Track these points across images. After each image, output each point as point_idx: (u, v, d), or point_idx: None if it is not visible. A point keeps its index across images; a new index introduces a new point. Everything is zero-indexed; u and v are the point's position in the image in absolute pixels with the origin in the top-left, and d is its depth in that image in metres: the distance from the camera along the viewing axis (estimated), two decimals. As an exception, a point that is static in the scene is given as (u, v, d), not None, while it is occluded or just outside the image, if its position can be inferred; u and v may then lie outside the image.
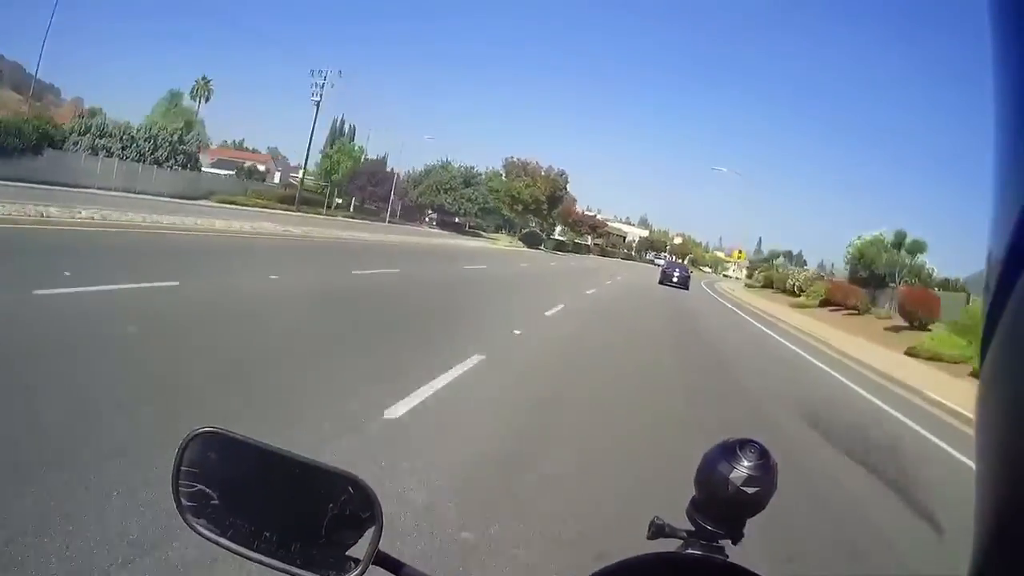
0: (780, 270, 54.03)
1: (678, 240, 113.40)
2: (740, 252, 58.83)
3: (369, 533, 0.76)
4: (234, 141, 78.74)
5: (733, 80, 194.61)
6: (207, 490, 0.81)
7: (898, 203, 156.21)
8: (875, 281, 34.92)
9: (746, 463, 0.74)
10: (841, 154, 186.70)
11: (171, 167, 38.08)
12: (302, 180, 52.01)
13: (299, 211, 41.49)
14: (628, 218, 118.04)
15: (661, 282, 36.67)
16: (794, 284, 42.35)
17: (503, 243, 62.28)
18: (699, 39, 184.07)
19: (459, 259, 25.78)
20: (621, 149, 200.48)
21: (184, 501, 0.81)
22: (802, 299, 36.62)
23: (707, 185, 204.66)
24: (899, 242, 36.44)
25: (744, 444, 0.75)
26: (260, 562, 0.77)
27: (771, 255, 64.70)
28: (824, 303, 33.30)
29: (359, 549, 0.76)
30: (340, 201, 57.77)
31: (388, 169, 61.30)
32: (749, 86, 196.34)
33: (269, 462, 0.81)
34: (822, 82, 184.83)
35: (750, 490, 0.74)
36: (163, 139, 38.66)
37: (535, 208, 70.30)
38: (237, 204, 36.32)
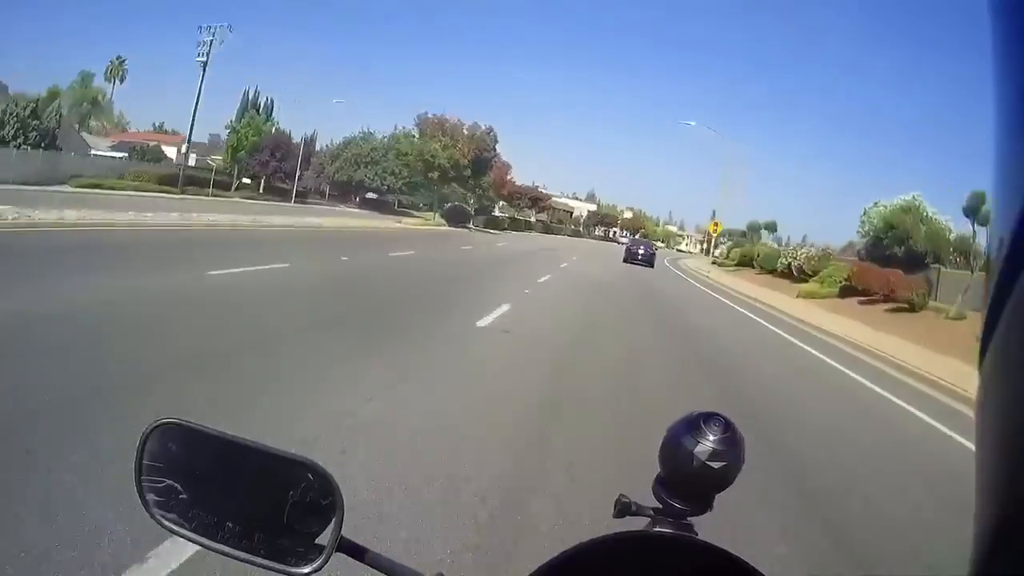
0: (761, 245, 45.60)
1: (628, 215, 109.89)
2: (716, 224, 52.80)
3: (332, 520, 0.77)
4: (154, 124, 77.27)
5: (688, 31, 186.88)
6: (170, 482, 0.82)
7: (892, 171, 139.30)
8: (912, 261, 27.69)
9: (711, 437, 0.74)
10: (821, 116, 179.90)
11: (18, 146, 34.52)
12: (185, 157, 46.63)
13: (182, 193, 37.27)
14: (575, 193, 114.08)
15: (626, 260, 37.56)
16: (790, 264, 33.18)
17: (426, 222, 53.81)
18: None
19: (353, 249, 20.33)
20: (563, 117, 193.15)
21: (148, 495, 0.82)
22: (812, 286, 28.38)
23: (659, 155, 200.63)
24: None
25: (709, 417, 0.76)
26: (223, 553, 0.79)
27: (750, 227, 59.60)
28: (846, 291, 25.59)
29: (323, 537, 0.77)
30: (249, 181, 51.89)
31: (296, 142, 54.34)
32: (706, 38, 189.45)
33: (229, 452, 0.83)
34: (791, 27, 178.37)
35: (716, 465, 0.74)
36: (9, 113, 34.92)
37: (456, 176, 59.02)
38: (102, 188, 32.05)
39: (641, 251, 39.36)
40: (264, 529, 0.79)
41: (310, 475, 0.79)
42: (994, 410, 0.37)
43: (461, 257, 24.74)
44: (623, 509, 0.83)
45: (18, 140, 34.68)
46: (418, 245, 26.31)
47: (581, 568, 0.68)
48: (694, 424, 0.76)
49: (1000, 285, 0.35)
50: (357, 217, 43.84)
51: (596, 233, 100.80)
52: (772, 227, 56.30)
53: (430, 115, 60.43)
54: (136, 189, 34.70)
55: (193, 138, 47.10)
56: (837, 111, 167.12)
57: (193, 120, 44.25)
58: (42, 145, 36.18)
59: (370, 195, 60.25)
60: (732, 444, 0.76)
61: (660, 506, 0.80)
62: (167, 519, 0.81)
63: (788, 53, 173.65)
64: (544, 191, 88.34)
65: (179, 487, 0.82)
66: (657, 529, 0.78)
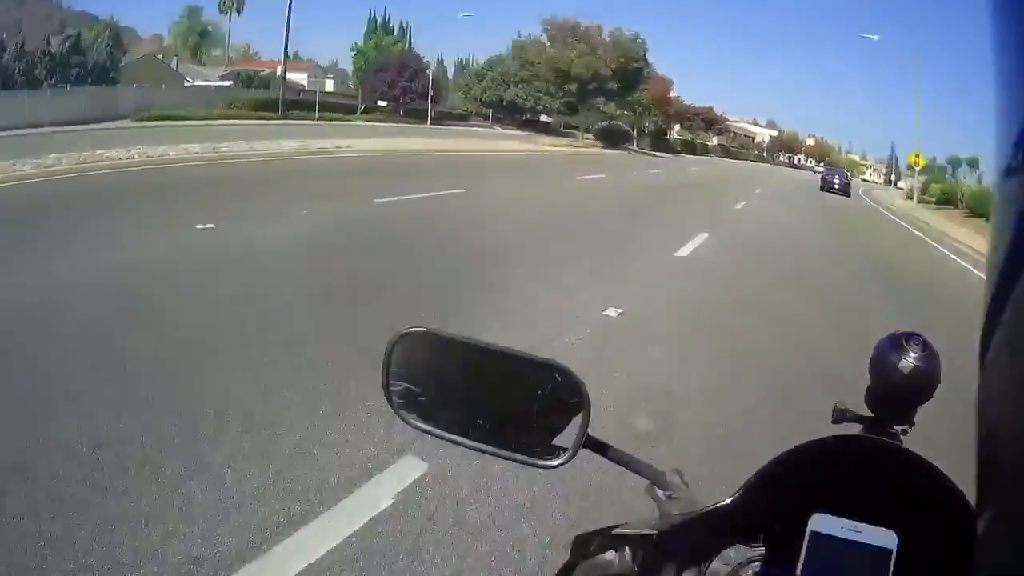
0: (966, 185, 39.64)
1: (811, 142, 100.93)
2: (918, 155, 42.46)
3: (578, 419, 0.83)
4: (287, 53, 70.78)
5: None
6: (415, 388, 0.88)
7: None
8: None
9: (912, 354, 0.81)
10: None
11: (53, 84, 31.10)
12: (283, 79, 41.78)
13: (284, 118, 34.40)
14: (755, 119, 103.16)
15: (823, 188, 39.63)
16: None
17: (573, 143, 46.65)
18: None
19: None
20: (729, 32, 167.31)
21: (395, 398, 0.88)
22: None
23: (839, 77, 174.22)
24: None
25: (909, 336, 0.82)
26: (476, 448, 0.85)
27: (951, 162, 53.22)
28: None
29: (567, 437, 0.84)
30: (385, 104, 47.64)
31: (426, 60, 49.64)
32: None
33: (476, 357, 0.88)
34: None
35: (917, 379, 0.81)
36: (39, 52, 31.70)
37: (599, 88, 48.95)
38: (172, 119, 28.93)
39: (837, 180, 40.95)
40: (514, 427, 0.85)
41: (557, 376, 0.83)
42: (995, 410, 0.38)
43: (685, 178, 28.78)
44: (840, 415, 0.89)
45: (53, 79, 31.65)
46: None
47: (804, 465, 0.79)
48: (897, 342, 0.82)
49: (1000, 285, 0.36)
50: (487, 138, 40.03)
51: (780, 160, 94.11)
52: (975, 163, 49.99)
53: (560, 18, 50.87)
54: (224, 117, 31.70)
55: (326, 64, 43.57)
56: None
57: (287, 38, 41.66)
58: (88, 80, 33.18)
59: (529, 116, 55.10)
60: (930, 361, 0.80)
61: (872, 415, 0.86)
62: (415, 420, 0.87)
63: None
64: (720, 113, 78.85)
65: (427, 390, 0.88)
66: (869, 436, 0.84)
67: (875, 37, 67.64)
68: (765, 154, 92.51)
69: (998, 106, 0.37)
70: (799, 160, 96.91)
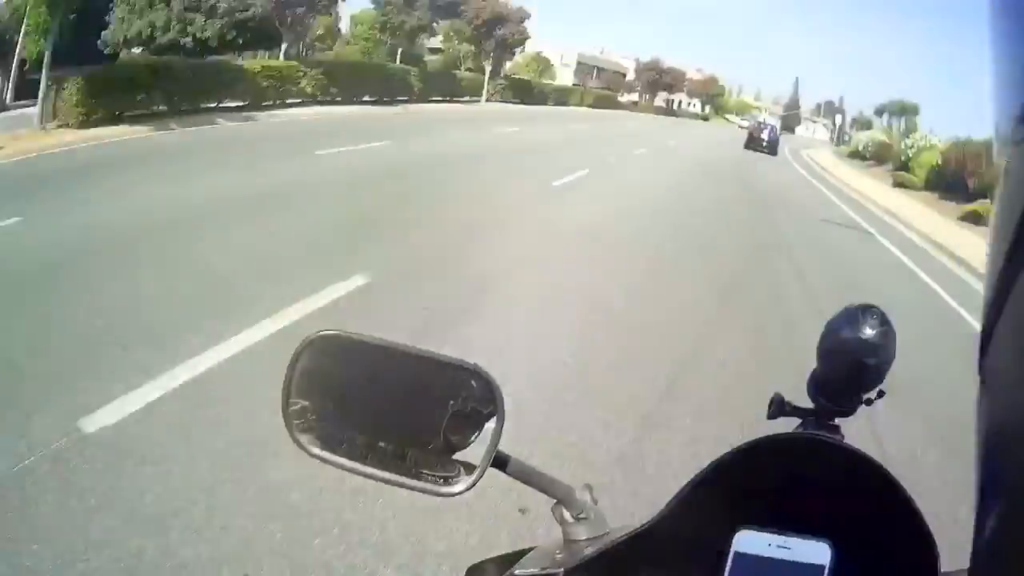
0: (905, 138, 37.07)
1: (696, 76, 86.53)
2: None
3: (488, 430, 0.82)
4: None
5: None
6: (320, 405, 0.87)
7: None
8: None
9: (868, 331, 0.79)
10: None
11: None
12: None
13: None
14: (638, 59, 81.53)
15: (747, 146, 36.63)
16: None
17: None
18: None
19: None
20: None
21: (294, 419, 0.86)
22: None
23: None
24: None
25: (866, 310, 0.81)
26: (374, 477, 0.84)
27: (884, 109, 53.66)
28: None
29: (474, 451, 0.82)
30: None
31: None
32: None
33: (388, 361, 0.88)
34: None
35: (870, 360, 0.81)
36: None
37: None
38: None
39: (765, 136, 38.02)
40: (418, 445, 0.85)
41: (473, 382, 0.83)
42: (995, 410, 0.39)
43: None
44: (776, 410, 0.92)
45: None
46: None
47: (729, 477, 0.77)
48: (851, 315, 0.82)
49: (1000, 285, 0.37)
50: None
51: (658, 102, 78.95)
52: (913, 109, 48.79)
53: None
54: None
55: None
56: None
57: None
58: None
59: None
60: (885, 336, 0.81)
61: (812, 406, 0.90)
62: (314, 445, 0.87)
63: None
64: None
65: (331, 407, 0.89)
66: (807, 432, 0.87)
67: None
68: (637, 96, 76.21)
69: (997, 105, 0.37)
70: (679, 104, 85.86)
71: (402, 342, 0.87)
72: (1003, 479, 0.38)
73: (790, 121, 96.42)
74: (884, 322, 0.81)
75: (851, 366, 0.81)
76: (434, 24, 36.99)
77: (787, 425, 0.90)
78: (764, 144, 36.21)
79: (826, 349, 0.84)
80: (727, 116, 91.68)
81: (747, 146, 36.70)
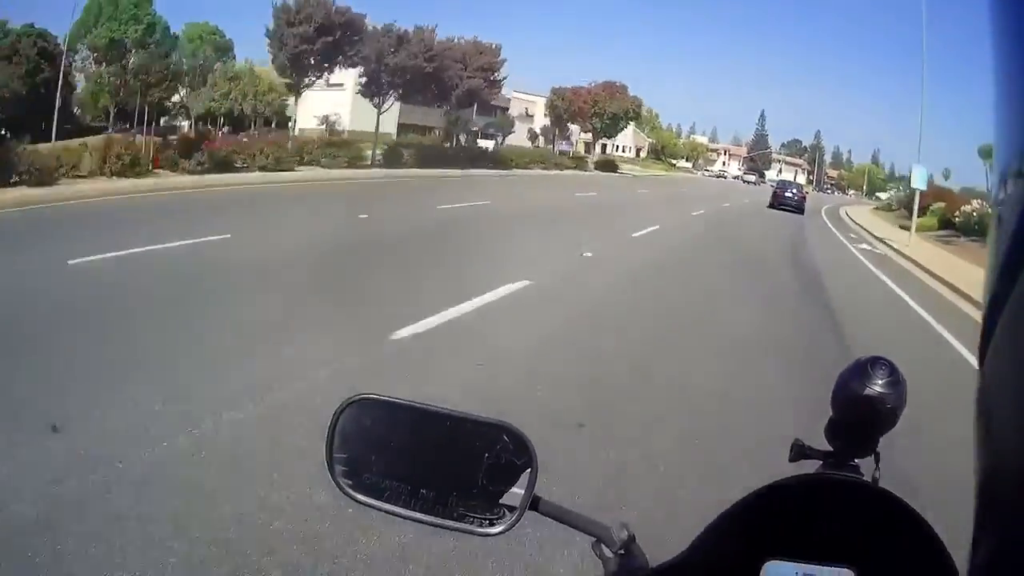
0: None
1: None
2: None
3: (524, 479, 0.92)
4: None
5: None
6: (362, 457, 0.97)
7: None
8: None
9: (879, 381, 0.85)
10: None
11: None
12: None
13: None
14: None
15: (771, 206, 38.38)
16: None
17: None
18: None
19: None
20: None
21: (338, 470, 0.97)
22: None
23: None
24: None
25: (875, 362, 0.86)
26: (419, 520, 0.93)
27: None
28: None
29: (514, 496, 0.92)
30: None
31: None
32: None
33: (423, 421, 0.98)
34: None
35: (883, 405, 0.85)
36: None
37: None
38: None
39: (791, 194, 39.66)
40: (458, 492, 0.93)
41: (505, 436, 0.91)
42: (995, 410, 0.40)
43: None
44: (798, 453, 0.95)
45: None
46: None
47: (757, 513, 0.85)
48: (862, 368, 0.86)
49: (1000, 285, 0.37)
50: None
51: (560, 148, 56.20)
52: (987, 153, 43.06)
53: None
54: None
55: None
56: None
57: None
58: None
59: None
60: (896, 386, 0.86)
61: (831, 449, 0.93)
62: (358, 493, 0.96)
63: None
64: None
65: (372, 459, 0.97)
66: (829, 472, 0.92)
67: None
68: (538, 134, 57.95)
69: (999, 108, 0.39)
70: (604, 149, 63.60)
71: (436, 403, 0.98)
72: (1005, 479, 0.38)
73: (758, 164, 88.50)
74: (893, 372, 0.85)
75: (863, 415, 0.87)
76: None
77: (808, 469, 0.95)
78: (792, 204, 36.67)
79: (839, 400, 0.89)
80: (669, 160, 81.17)
81: (771, 205, 38.19)
